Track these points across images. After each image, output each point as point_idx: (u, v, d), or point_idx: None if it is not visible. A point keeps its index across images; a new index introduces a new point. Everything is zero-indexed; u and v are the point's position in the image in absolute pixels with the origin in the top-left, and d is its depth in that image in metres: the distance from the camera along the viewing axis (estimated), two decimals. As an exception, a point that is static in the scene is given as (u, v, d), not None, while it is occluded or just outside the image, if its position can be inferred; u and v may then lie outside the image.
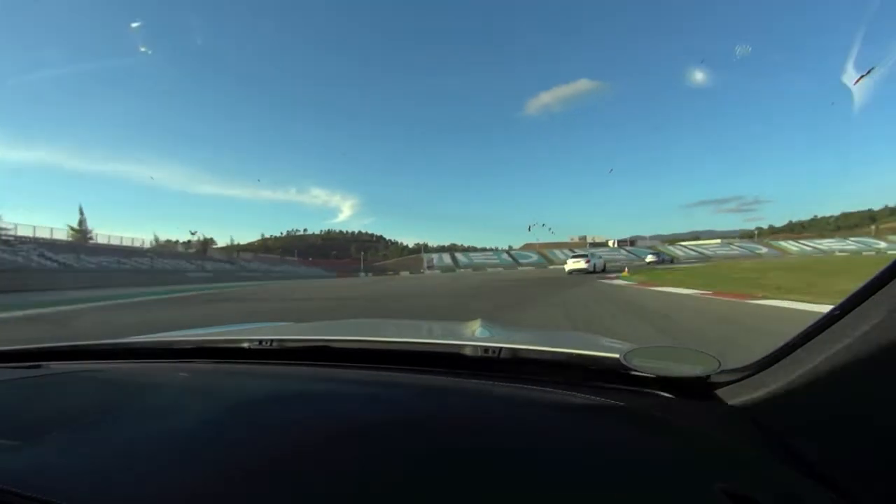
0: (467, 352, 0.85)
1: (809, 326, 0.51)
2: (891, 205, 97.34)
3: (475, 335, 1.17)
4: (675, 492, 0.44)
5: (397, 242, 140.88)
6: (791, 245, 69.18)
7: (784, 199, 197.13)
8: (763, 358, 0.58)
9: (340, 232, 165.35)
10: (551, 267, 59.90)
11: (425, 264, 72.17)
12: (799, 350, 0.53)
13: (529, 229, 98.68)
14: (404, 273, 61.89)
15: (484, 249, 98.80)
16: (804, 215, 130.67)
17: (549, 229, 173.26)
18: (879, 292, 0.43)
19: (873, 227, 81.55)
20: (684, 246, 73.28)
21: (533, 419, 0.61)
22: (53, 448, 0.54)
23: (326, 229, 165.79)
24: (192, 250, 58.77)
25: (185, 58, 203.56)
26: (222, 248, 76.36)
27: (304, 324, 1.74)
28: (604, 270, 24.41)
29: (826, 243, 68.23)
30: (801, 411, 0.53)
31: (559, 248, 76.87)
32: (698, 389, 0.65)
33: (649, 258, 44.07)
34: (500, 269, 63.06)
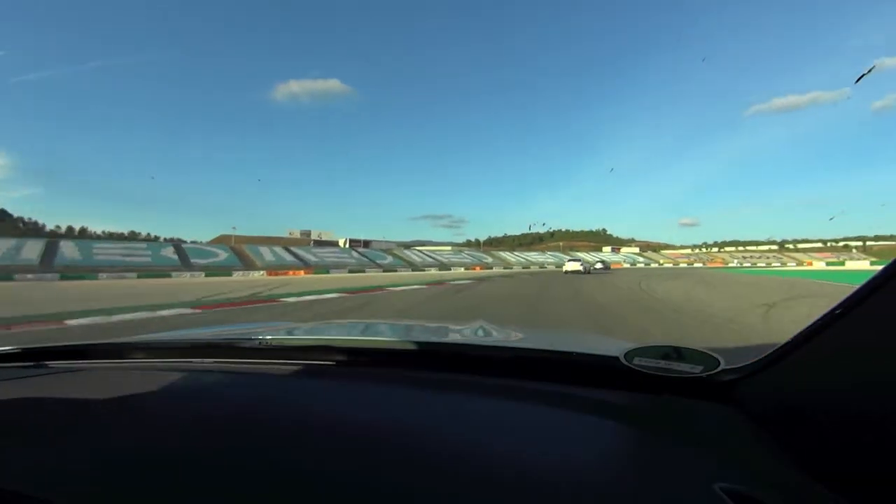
0: (468, 351, 0.88)
1: (811, 325, 0.50)
2: (550, 229, 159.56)
3: (476, 335, 1.18)
4: (676, 491, 0.44)
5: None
6: (508, 255, 74.38)
7: (482, 219, 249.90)
8: (764, 357, 0.58)
9: None
10: (239, 275, 36.79)
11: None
12: (801, 349, 0.52)
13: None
14: None
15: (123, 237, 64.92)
16: (498, 233, 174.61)
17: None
18: (881, 290, 0.42)
19: (542, 244, 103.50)
20: (420, 251, 66.20)
21: (533, 418, 0.61)
22: (53, 447, 0.53)
23: None
24: None
25: None
26: None
27: (303, 324, 1.65)
28: (587, 272, 29.44)
29: (533, 255, 78.21)
30: (802, 410, 0.52)
31: (273, 244, 53.93)
32: (699, 388, 0.64)
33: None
34: (134, 275, 34.33)
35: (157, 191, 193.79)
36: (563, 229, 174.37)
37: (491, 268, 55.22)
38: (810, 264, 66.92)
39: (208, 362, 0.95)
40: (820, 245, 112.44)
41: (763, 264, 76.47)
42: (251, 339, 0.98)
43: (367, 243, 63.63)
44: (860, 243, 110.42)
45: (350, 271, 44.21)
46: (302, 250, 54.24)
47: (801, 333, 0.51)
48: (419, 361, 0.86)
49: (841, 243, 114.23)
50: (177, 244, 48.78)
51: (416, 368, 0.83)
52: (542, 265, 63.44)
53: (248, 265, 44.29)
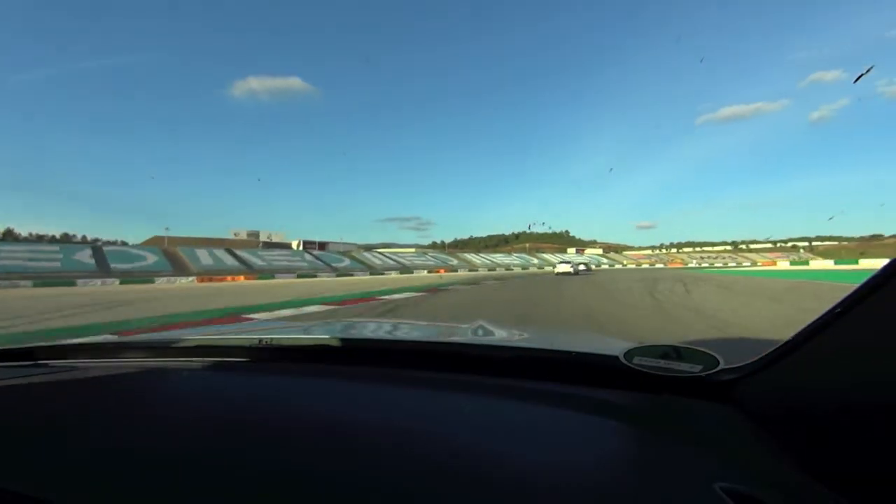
0: (469, 351, 0.88)
1: (811, 324, 0.50)
2: (516, 231, 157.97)
3: (476, 335, 1.17)
4: (676, 490, 0.44)
5: None
6: (474, 258, 72.31)
7: (449, 221, 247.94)
8: (764, 356, 0.57)
9: None
10: (163, 281, 31.84)
11: None
12: (801, 348, 0.52)
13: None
14: None
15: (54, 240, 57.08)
16: (464, 235, 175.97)
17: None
18: (882, 290, 0.42)
19: (508, 246, 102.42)
20: (381, 253, 62.81)
21: (532, 418, 0.61)
22: (53, 447, 0.53)
23: None
24: None
25: None
26: None
27: (302, 323, 1.63)
28: (576, 273, 30.50)
29: (498, 257, 76.79)
30: (802, 410, 0.52)
31: (216, 246, 48.51)
32: (698, 387, 0.64)
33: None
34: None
35: (101, 192, 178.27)
36: (529, 231, 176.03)
37: (456, 270, 52.45)
38: (774, 264, 68.07)
39: (207, 362, 0.95)
40: (770, 245, 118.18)
41: (720, 264, 78.15)
42: (250, 338, 0.99)
43: (322, 245, 59.23)
44: (807, 244, 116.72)
45: (299, 276, 39.95)
46: (247, 253, 49.15)
47: (800, 333, 0.51)
48: (418, 361, 0.86)
49: (789, 244, 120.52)
50: (96, 247, 42.44)
51: (415, 368, 0.82)
52: (507, 267, 62.27)
53: (181, 269, 39.13)
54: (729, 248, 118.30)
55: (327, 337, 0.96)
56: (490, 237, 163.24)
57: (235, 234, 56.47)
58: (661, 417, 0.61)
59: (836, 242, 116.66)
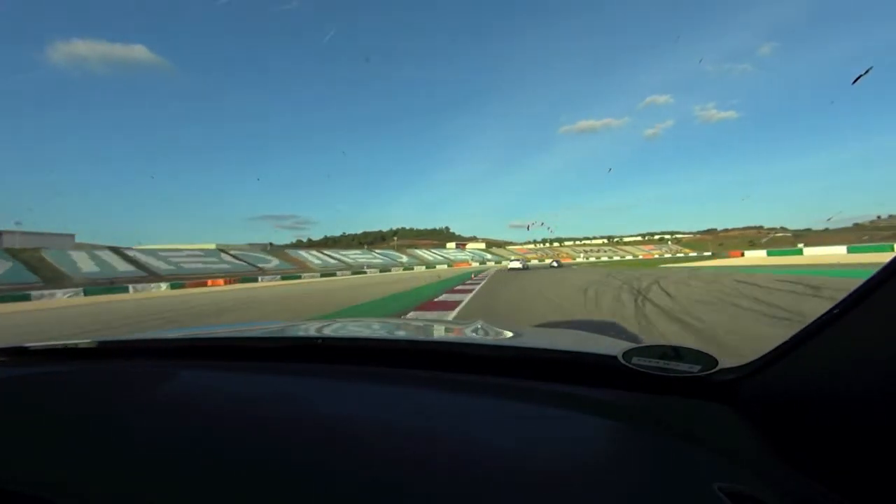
0: (468, 351, 0.88)
1: (809, 325, 0.50)
2: (394, 228, 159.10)
3: (475, 334, 1.17)
4: (675, 491, 0.44)
5: None
6: (308, 255, 67.05)
7: (330, 221, 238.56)
8: (762, 356, 0.58)
9: None
10: None
11: None
12: (798, 349, 0.52)
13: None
14: None
15: None
16: (336, 232, 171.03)
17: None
18: (879, 291, 0.42)
19: (390, 242, 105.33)
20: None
21: (531, 417, 0.61)
22: (53, 447, 0.54)
23: None
24: None
25: None
26: None
27: (300, 323, 1.61)
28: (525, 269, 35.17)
29: (353, 255, 67.49)
30: (800, 410, 0.52)
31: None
32: (697, 388, 0.65)
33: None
34: None
35: None
36: (408, 227, 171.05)
37: (256, 279, 36.59)
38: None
39: (206, 362, 0.94)
40: (640, 238, 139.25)
41: (607, 258, 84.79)
42: (248, 338, 1.01)
43: None
44: (670, 236, 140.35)
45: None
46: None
47: (799, 333, 0.51)
48: (418, 360, 0.84)
49: (657, 237, 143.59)
50: None
51: (414, 367, 0.81)
52: (360, 268, 50.88)
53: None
54: (606, 241, 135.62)
55: (327, 336, 0.98)
56: (365, 234, 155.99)
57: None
58: (659, 417, 0.61)
59: (688, 235, 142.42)
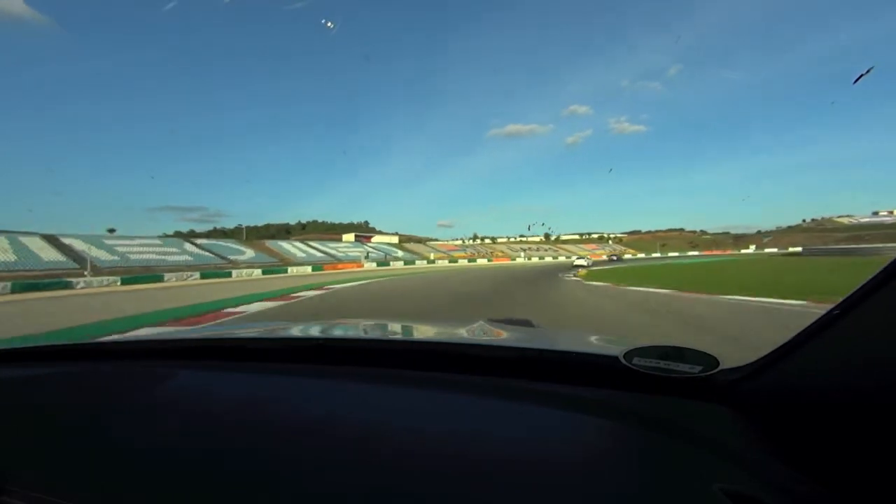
0: (467, 351, 0.88)
1: (809, 326, 0.50)
2: (303, 221, 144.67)
3: (476, 335, 1.16)
4: (675, 491, 0.44)
5: None
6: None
7: (246, 215, 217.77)
8: (763, 357, 0.58)
9: None
10: None
11: None
12: (799, 350, 0.52)
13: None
14: None
15: None
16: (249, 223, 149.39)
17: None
18: (879, 291, 0.42)
19: (290, 236, 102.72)
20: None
21: (532, 418, 0.61)
22: (52, 448, 0.54)
23: None
24: None
25: None
26: None
27: (302, 323, 1.56)
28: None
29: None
30: (800, 410, 0.53)
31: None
32: (697, 388, 0.64)
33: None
34: None
35: None
36: (320, 221, 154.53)
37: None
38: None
39: (206, 362, 0.93)
40: (577, 237, 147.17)
41: (550, 257, 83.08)
42: (248, 338, 1.00)
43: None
44: (613, 236, 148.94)
45: None
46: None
47: (799, 334, 0.51)
48: (418, 361, 0.83)
49: (595, 235, 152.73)
50: None
51: (414, 368, 0.80)
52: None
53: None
54: (543, 239, 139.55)
55: (326, 336, 0.97)
56: (267, 226, 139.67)
57: None
58: (660, 418, 0.60)
59: (626, 236, 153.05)
